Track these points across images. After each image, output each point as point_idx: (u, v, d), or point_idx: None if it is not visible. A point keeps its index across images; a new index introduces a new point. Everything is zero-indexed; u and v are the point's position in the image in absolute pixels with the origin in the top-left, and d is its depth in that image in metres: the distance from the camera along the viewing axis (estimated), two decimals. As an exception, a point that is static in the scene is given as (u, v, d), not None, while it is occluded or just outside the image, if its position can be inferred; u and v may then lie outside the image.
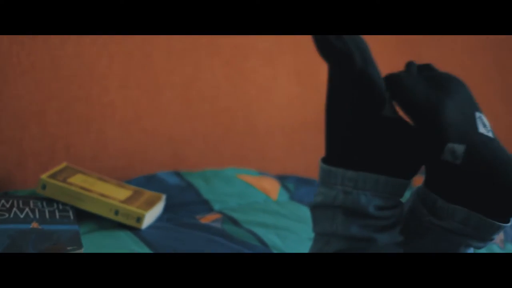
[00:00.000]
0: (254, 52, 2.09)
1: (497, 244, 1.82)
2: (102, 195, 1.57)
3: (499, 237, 1.85)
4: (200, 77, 2.03)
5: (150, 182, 1.80)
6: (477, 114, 1.19)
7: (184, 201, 1.74)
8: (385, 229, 1.16)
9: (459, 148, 1.15)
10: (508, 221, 1.19)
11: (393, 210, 1.17)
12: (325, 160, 1.19)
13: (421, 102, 1.15)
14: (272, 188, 1.84)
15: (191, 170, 1.90)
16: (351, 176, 1.14)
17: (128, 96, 1.92)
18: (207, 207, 1.72)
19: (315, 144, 2.15)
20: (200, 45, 2.02)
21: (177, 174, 1.86)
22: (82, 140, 1.86)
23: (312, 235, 1.62)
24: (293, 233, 1.61)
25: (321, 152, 2.14)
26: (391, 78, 1.15)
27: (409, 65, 1.18)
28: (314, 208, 1.19)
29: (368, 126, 1.14)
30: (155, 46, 1.96)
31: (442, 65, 2.55)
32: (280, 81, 2.15)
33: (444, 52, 2.45)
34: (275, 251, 1.52)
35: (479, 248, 1.22)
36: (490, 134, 1.18)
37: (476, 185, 1.16)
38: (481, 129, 1.18)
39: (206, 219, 1.63)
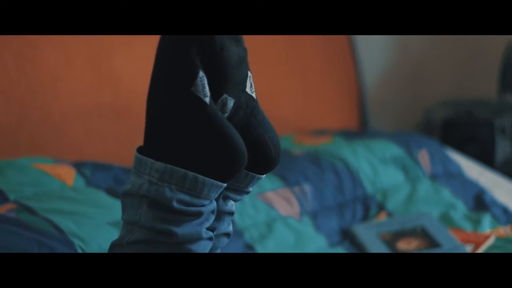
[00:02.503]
0: (45, 41, 2.08)
1: (294, 217, 1.91)
2: None
3: (294, 210, 1.94)
4: (-10, 68, 2.01)
5: None
6: (249, 73, 1.20)
7: (-22, 193, 1.72)
8: (189, 224, 1.16)
9: (230, 102, 1.17)
10: (263, 174, 1.24)
11: (202, 207, 1.17)
12: (140, 149, 1.18)
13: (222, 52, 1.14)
14: (67, 174, 1.84)
15: (-15, 162, 1.87)
16: (159, 168, 1.14)
17: None
18: (2, 197, 1.70)
19: (112, 129, 2.18)
20: (-12, 37, 1.99)
21: (-30, 166, 1.83)
22: None
23: (109, 219, 1.66)
24: (90, 219, 1.64)
25: (118, 137, 2.18)
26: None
27: None
28: (124, 196, 1.19)
29: (181, 114, 1.13)
30: None
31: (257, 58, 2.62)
32: (74, 68, 2.14)
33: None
34: (71, 237, 1.54)
35: (237, 200, 1.26)
36: (254, 95, 1.21)
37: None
38: (248, 89, 1.20)
39: (1, 210, 1.62)
